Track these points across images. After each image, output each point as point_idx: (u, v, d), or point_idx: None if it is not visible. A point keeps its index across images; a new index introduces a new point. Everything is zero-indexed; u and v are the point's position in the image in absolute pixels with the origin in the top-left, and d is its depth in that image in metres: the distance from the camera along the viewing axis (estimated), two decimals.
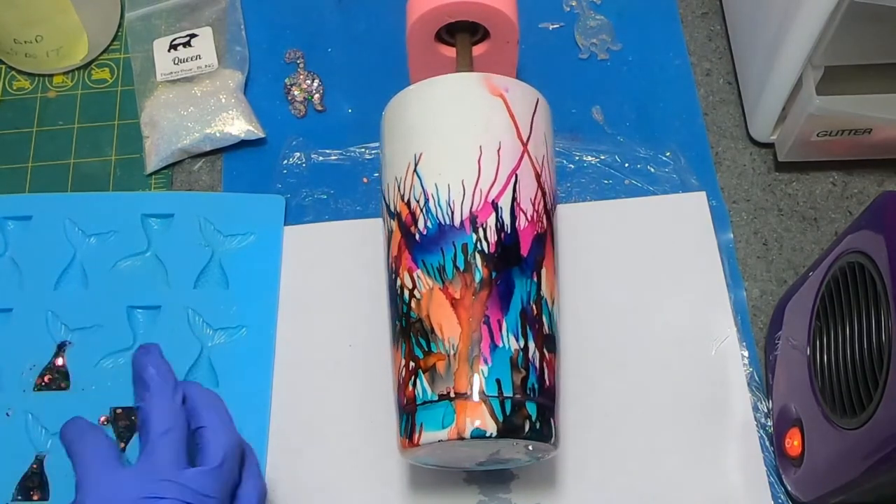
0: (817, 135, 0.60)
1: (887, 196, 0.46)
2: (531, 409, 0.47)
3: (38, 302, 0.60)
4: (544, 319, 0.49)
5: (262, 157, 0.66)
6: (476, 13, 0.56)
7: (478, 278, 0.48)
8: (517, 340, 0.48)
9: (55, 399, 0.57)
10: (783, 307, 0.57)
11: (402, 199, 0.51)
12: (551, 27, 0.71)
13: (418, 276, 0.49)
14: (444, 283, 0.49)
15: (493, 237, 0.49)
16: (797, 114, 0.59)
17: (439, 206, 0.50)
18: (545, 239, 0.51)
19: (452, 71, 0.58)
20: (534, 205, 0.51)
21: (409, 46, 0.59)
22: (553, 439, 0.48)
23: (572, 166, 0.65)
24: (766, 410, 0.57)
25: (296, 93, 0.68)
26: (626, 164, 0.65)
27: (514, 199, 0.50)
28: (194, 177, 0.66)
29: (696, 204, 0.63)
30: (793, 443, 0.52)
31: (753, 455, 0.56)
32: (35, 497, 0.55)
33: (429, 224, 0.50)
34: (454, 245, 0.49)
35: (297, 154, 0.66)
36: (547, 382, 0.48)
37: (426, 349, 0.48)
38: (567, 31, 0.71)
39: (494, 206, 0.50)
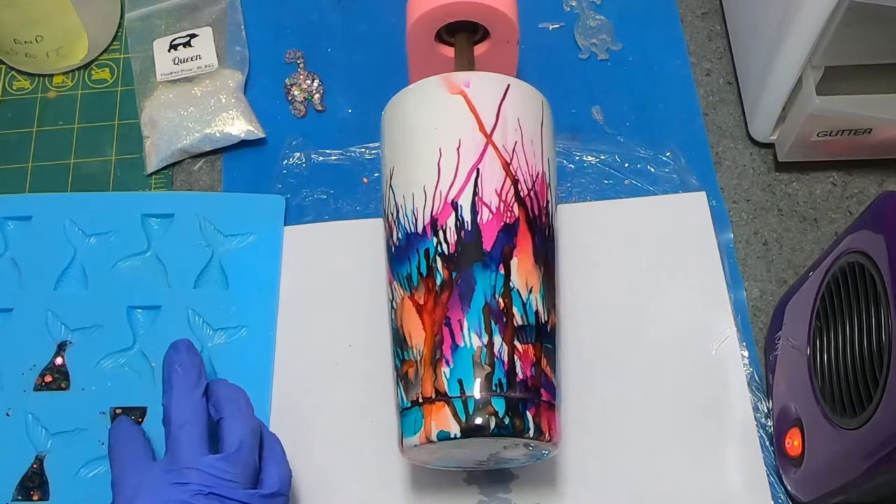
0: (817, 135, 0.60)
1: (887, 196, 0.46)
2: (498, 405, 0.46)
3: (38, 302, 0.60)
4: (515, 310, 0.48)
5: (262, 157, 0.66)
6: (476, 13, 0.56)
7: (439, 281, 0.49)
8: (480, 337, 0.48)
9: (55, 399, 0.57)
10: (783, 307, 0.57)
11: (384, 213, 0.53)
12: (551, 27, 0.71)
13: (395, 288, 0.51)
14: (411, 291, 0.50)
15: (452, 237, 0.49)
16: (797, 114, 0.59)
17: (406, 215, 0.51)
18: (516, 227, 0.50)
19: (452, 71, 0.58)
20: (500, 195, 0.50)
21: (409, 46, 0.59)
22: (533, 432, 0.47)
23: (572, 166, 0.65)
24: (766, 410, 0.57)
25: (296, 93, 0.68)
26: (626, 164, 0.65)
27: (475, 193, 0.50)
28: (194, 177, 0.66)
29: (696, 204, 0.63)
30: (793, 443, 0.52)
31: (753, 455, 0.56)
32: (35, 497, 0.55)
33: (399, 235, 0.51)
34: (418, 252, 0.50)
35: (297, 154, 0.66)
36: (520, 375, 0.47)
37: (402, 357, 0.49)
38: (567, 31, 0.71)
39: (454, 205, 0.50)
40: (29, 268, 0.61)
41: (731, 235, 0.63)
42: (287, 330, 0.60)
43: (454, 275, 0.49)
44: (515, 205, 0.50)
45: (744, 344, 0.59)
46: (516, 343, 0.48)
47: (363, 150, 0.66)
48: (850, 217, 0.63)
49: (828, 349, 0.49)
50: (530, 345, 0.48)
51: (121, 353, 0.58)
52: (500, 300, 0.48)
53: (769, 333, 0.58)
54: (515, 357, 0.47)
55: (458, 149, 0.51)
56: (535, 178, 0.52)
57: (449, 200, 0.50)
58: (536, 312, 0.49)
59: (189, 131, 0.66)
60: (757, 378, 0.58)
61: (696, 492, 0.55)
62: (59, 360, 0.58)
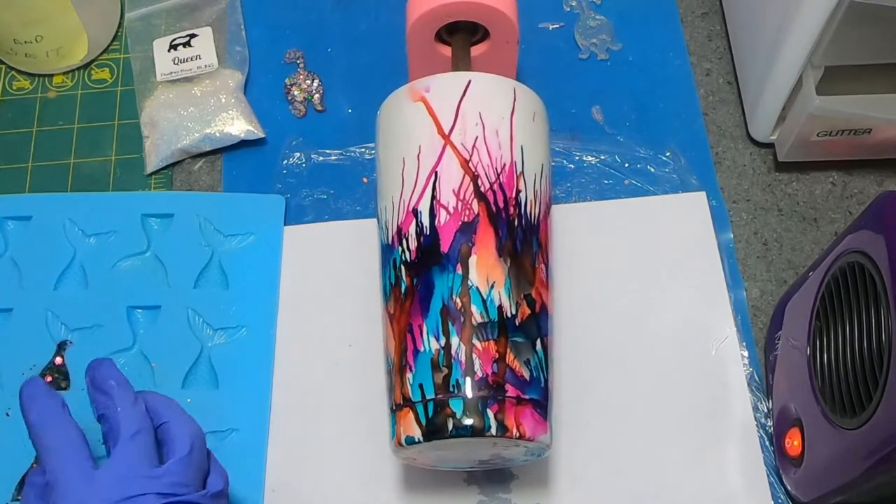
0: (817, 135, 0.60)
1: (887, 196, 0.46)
2: (455, 406, 0.47)
3: (38, 302, 0.60)
4: (474, 309, 0.48)
5: (262, 157, 0.66)
6: (476, 13, 0.56)
7: (403, 289, 0.50)
8: (437, 340, 0.48)
9: None
10: (783, 307, 0.57)
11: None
12: (551, 27, 0.71)
13: (381, 302, 0.52)
14: (385, 302, 0.51)
15: (413, 244, 0.50)
16: (797, 114, 0.59)
17: (381, 228, 0.53)
18: (475, 224, 0.50)
19: (451, 70, 0.58)
20: (458, 194, 0.50)
21: (408, 46, 0.59)
22: (495, 429, 0.46)
23: (572, 166, 0.65)
24: (766, 410, 0.57)
25: (296, 93, 0.68)
26: (626, 164, 0.65)
27: (433, 197, 0.50)
28: (194, 177, 0.66)
29: (696, 204, 0.63)
30: (793, 443, 0.52)
31: (753, 455, 0.56)
32: None
33: (379, 248, 0.53)
34: (389, 263, 0.51)
35: (297, 154, 0.66)
36: (479, 373, 0.47)
37: (386, 367, 0.51)
38: (567, 31, 0.71)
39: (415, 212, 0.51)
40: (29, 268, 0.61)
41: (731, 235, 0.63)
42: (287, 330, 0.60)
43: (415, 281, 0.49)
44: (475, 201, 0.50)
45: (744, 344, 0.59)
46: (475, 342, 0.48)
47: (363, 150, 0.66)
48: (850, 217, 0.63)
49: (828, 349, 0.49)
50: (491, 341, 0.48)
51: (121, 353, 0.58)
52: (458, 300, 0.48)
53: (769, 333, 0.58)
54: (474, 356, 0.47)
55: (418, 156, 0.52)
56: (500, 169, 0.51)
57: (410, 209, 0.51)
58: (500, 307, 0.48)
59: (189, 131, 0.66)
60: (757, 378, 0.58)
61: (695, 492, 0.55)
62: (59, 360, 0.58)
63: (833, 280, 0.49)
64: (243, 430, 0.57)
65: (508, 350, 0.48)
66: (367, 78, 0.69)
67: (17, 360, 0.58)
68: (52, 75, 0.70)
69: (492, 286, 0.49)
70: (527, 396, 0.47)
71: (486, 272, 0.49)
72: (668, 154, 0.65)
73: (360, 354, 0.59)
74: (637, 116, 0.67)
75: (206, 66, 0.67)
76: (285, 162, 0.66)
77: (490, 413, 0.46)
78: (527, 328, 0.49)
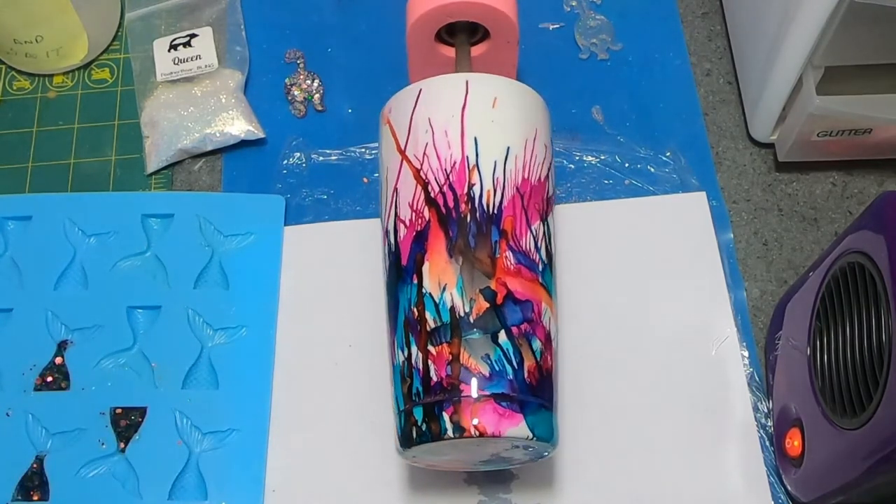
0: (817, 135, 0.60)
1: (887, 196, 0.46)
2: (417, 414, 0.47)
3: (38, 302, 0.60)
4: (428, 315, 0.48)
5: (262, 157, 0.66)
6: (476, 13, 0.56)
7: (385, 308, 0.51)
8: (402, 352, 0.49)
9: (55, 399, 0.57)
10: (783, 307, 0.57)
11: None
12: (551, 27, 0.71)
13: None
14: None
15: (386, 264, 0.52)
16: (797, 114, 0.59)
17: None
18: (426, 231, 0.50)
19: (452, 71, 0.58)
20: (412, 206, 0.51)
21: (409, 46, 0.59)
22: (452, 431, 0.46)
23: (572, 166, 0.65)
24: (766, 410, 0.57)
25: (296, 93, 0.68)
26: (626, 164, 0.65)
27: (396, 215, 0.51)
28: (194, 177, 0.66)
29: (696, 204, 0.63)
30: (793, 443, 0.52)
31: (753, 455, 0.56)
32: (35, 497, 0.55)
33: None
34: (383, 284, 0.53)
35: (297, 154, 0.66)
36: (434, 378, 0.47)
37: None
38: (567, 31, 0.71)
39: (386, 232, 0.52)
40: (29, 268, 0.61)
41: (731, 235, 0.63)
42: (287, 330, 0.60)
43: (388, 299, 0.51)
44: (426, 209, 0.50)
45: (744, 344, 0.59)
46: (430, 347, 0.48)
47: (363, 150, 0.66)
48: (850, 217, 0.63)
49: (828, 349, 0.49)
50: (444, 344, 0.47)
51: (121, 353, 0.58)
52: (415, 310, 0.49)
53: (769, 333, 0.58)
54: (429, 362, 0.47)
55: (386, 177, 0.53)
56: (449, 169, 0.51)
57: (385, 230, 0.52)
58: (453, 308, 0.48)
59: (189, 131, 0.66)
60: (757, 378, 0.58)
61: (695, 492, 0.55)
62: (59, 360, 0.58)
63: (833, 280, 0.49)
64: (243, 430, 0.57)
65: (462, 350, 0.47)
66: (367, 78, 0.69)
67: (17, 360, 0.58)
68: (52, 75, 0.70)
69: (444, 289, 0.48)
70: (487, 392, 0.46)
71: (437, 276, 0.49)
72: (668, 154, 0.65)
73: (360, 354, 0.59)
74: (637, 116, 0.67)
75: (206, 66, 0.67)
76: (285, 162, 0.66)
77: (445, 416, 0.46)
78: (483, 323, 0.48)
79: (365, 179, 0.65)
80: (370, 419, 0.57)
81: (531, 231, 0.51)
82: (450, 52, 0.59)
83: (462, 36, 0.59)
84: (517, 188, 0.51)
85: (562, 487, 0.55)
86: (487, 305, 0.48)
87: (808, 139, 0.60)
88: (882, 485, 0.45)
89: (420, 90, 0.53)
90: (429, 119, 0.52)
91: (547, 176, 0.53)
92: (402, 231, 0.51)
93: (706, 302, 0.60)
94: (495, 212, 0.50)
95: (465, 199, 0.50)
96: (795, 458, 0.52)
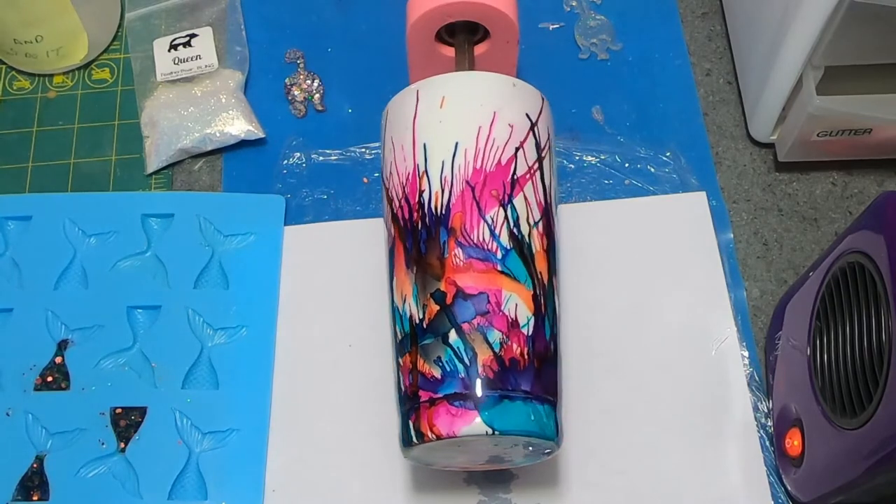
0: (817, 135, 0.60)
1: (887, 196, 0.46)
2: (401, 425, 0.49)
3: (38, 302, 0.60)
4: (396, 328, 0.50)
5: (262, 157, 0.66)
6: (476, 13, 0.56)
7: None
8: (393, 363, 0.50)
9: (55, 399, 0.57)
10: (783, 307, 0.57)
11: None
12: (551, 27, 0.71)
13: None
14: None
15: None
16: (797, 114, 0.59)
17: None
18: (393, 247, 0.51)
19: (452, 71, 0.58)
20: (385, 224, 0.53)
21: (409, 46, 0.59)
22: (415, 437, 0.47)
23: (572, 166, 0.65)
24: (766, 410, 0.57)
25: (296, 93, 0.68)
26: (626, 164, 0.65)
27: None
28: (194, 177, 0.66)
29: (696, 204, 0.63)
30: (793, 443, 0.52)
31: (753, 455, 0.56)
32: (35, 497, 0.55)
33: None
34: None
35: (297, 154, 0.66)
36: (402, 389, 0.48)
37: None
38: (567, 31, 0.71)
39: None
40: (29, 268, 0.61)
41: (731, 235, 0.63)
42: (287, 330, 0.60)
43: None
44: (392, 226, 0.51)
45: (744, 344, 0.59)
46: (399, 360, 0.49)
47: (363, 150, 0.66)
48: (850, 217, 0.63)
49: (828, 349, 0.49)
50: (407, 354, 0.48)
51: (121, 353, 0.58)
52: (390, 324, 0.51)
53: (769, 333, 0.58)
54: (400, 374, 0.49)
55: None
56: (405, 182, 0.51)
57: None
58: (411, 318, 0.48)
59: (189, 131, 0.66)
60: (757, 378, 0.58)
61: (695, 492, 0.55)
62: (59, 360, 0.58)
63: (833, 280, 0.49)
64: (243, 430, 0.57)
65: (418, 357, 0.48)
66: (367, 78, 0.69)
67: (17, 360, 0.58)
68: (52, 75, 0.70)
69: (404, 300, 0.49)
70: (439, 395, 0.46)
71: (401, 289, 0.50)
72: (668, 154, 0.65)
73: (360, 354, 0.59)
74: (637, 116, 0.67)
75: (206, 66, 0.67)
76: (285, 162, 0.66)
77: (410, 424, 0.47)
78: (435, 326, 0.48)
79: (365, 179, 0.65)
80: (370, 419, 0.57)
81: (485, 220, 0.49)
82: (450, 52, 0.59)
83: (462, 36, 0.59)
84: (467, 182, 0.50)
85: (562, 487, 0.55)
86: (438, 308, 0.48)
87: (808, 139, 0.60)
88: (882, 485, 0.45)
89: (386, 112, 0.54)
90: (391, 139, 0.53)
91: (513, 156, 0.51)
92: (385, 250, 0.52)
93: (706, 302, 0.60)
94: (443, 212, 0.49)
95: (417, 207, 0.50)
96: (795, 457, 0.52)
